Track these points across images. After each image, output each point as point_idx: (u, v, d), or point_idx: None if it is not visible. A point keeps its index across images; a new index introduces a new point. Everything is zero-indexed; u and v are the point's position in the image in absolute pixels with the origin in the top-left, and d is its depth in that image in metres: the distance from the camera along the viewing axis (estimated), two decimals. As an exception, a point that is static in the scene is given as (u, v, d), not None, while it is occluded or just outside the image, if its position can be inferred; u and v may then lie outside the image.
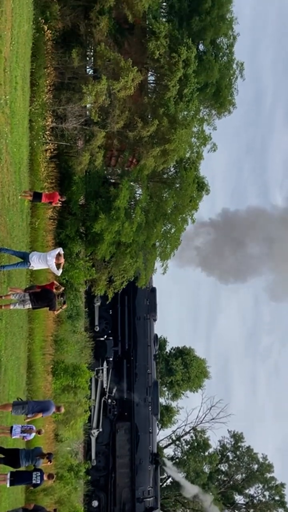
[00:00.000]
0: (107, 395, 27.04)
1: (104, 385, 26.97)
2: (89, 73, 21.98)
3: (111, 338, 27.46)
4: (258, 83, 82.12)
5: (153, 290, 28.11)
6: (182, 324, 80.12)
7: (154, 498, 26.79)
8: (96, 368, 26.73)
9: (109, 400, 27.12)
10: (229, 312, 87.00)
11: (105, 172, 22.01)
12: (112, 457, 26.69)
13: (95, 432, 26.35)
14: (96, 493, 26.10)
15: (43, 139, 18.81)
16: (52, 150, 19.53)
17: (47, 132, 19.11)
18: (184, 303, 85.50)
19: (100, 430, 26.51)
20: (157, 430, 29.69)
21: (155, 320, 28.96)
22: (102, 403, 26.74)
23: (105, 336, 27.50)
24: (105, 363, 27.16)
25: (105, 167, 21.65)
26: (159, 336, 39.68)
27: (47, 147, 19.24)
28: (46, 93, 18.70)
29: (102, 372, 26.88)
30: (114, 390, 27.32)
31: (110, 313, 26.23)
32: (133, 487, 26.40)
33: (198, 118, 21.67)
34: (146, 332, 27.87)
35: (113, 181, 22.66)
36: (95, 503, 26.01)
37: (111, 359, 27.28)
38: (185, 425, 41.32)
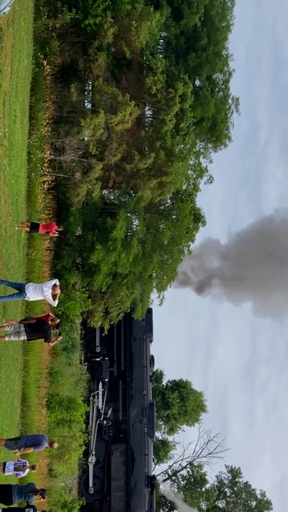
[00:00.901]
0: (102, 417, 26.61)
1: (100, 407, 26.56)
2: (87, 107, 22.36)
3: (107, 358, 27.19)
4: (253, 116, 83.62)
5: (149, 311, 27.83)
6: (178, 357, 79.40)
7: None
8: (92, 393, 26.40)
9: (104, 422, 26.69)
10: (226, 344, 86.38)
11: (104, 196, 22.00)
12: (107, 480, 26.11)
13: (93, 459, 25.78)
14: None
15: (41, 171, 18.99)
16: (50, 181, 19.70)
17: (45, 164, 19.30)
18: (181, 335, 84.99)
19: (95, 459, 26.00)
20: (153, 453, 28.96)
21: (151, 341, 28.80)
22: (97, 425, 26.26)
23: (101, 357, 27.13)
24: (100, 384, 26.80)
25: (105, 192, 21.67)
26: (156, 370, 39.32)
27: (45, 178, 19.41)
28: (44, 126, 18.97)
29: (98, 396, 26.43)
30: (110, 412, 26.93)
31: (106, 333, 25.91)
32: (128, 511, 25.71)
33: (195, 151, 21.99)
34: (142, 353, 27.61)
35: (111, 211, 22.79)
36: None
37: (106, 379, 26.93)
38: (182, 459, 40.60)
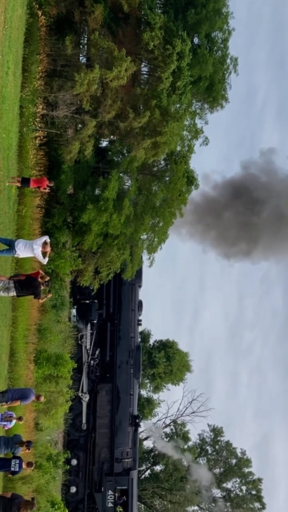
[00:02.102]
0: (89, 357, 27.32)
1: (87, 347, 27.22)
2: (82, 61, 21.77)
3: (96, 301, 27.55)
4: (251, 78, 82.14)
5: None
6: (166, 318, 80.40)
7: (132, 459, 27.00)
8: (80, 334, 26.96)
9: (92, 362, 27.38)
10: (213, 308, 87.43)
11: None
12: (93, 417, 26.88)
13: (86, 397, 26.54)
14: (75, 452, 26.31)
15: (33, 126, 18.63)
16: (41, 137, 19.35)
17: (37, 119, 18.93)
18: (169, 297, 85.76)
19: (88, 397, 26.84)
20: (138, 393, 29.81)
21: (140, 286, 29.18)
22: (85, 365, 27.03)
23: (90, 299, 27.60)
24: (89, 325, 27.37)
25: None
26: (143, 329, 39.81)
27: (37, 134, 19.06)
28: (37, 80, 18.51)
29: (86, 337, 27.05)
30: (97, 352, 27.61)
31: None
32: (112, 447, 26.55)
33: (190, 111, 21.59)
34: (131, 297, 28.07)
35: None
36: (74, 462, 26.15)
37: (95, 321, 27.48)
38: (166, 417, 41.55)
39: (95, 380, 27.48)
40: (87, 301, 27.71)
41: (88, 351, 27.32)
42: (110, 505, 25.90)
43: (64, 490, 25.94)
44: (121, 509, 26.13)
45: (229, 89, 23.31)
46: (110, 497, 25.98)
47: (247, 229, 30.97)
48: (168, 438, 40.80)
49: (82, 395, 26.50)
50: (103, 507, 25.88)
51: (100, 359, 27.73)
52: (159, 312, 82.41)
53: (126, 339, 28.03)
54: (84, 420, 26.57)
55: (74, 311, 28.12)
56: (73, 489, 26.10)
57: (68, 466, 25.40)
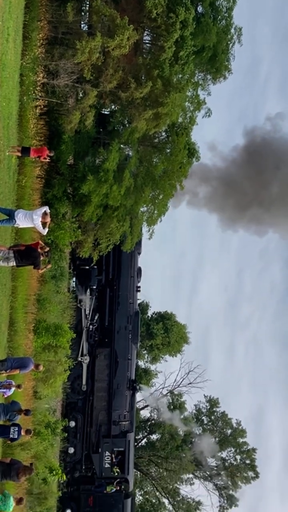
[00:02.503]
0: (88, 322, 27.70)
1: (87, 312, 27.59)
2: (84, 29, 21.36)
3: (95, 267, 27.73)
4: (255, 50, 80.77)
5: None
6: (165, 290, 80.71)
7: (129, 422, 27.58)
8: (79, 297, 27.30)
9: (91, 327, 27.78)
10: (211, 281, 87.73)
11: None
12: (91, 381, 27.39)
13: (86, 359, 26.97)
14: (73, 414, 26.87)
15: (34, 94, 18.41)
16: (42, 106, 19.13)
17: (37, 88, 18.69)
18: (168, 269, 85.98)
19: (89, 358, 27.33)
20: (136, 358, 30.39)
21: (139, 253, 29.40)
22: (84, 329, 27.49)
23: (90, 265, 27.81)
24: (88, 290, 27.64)
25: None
26: (142, 301, 40.04)
27: (37, 103, 18.84)
28: (38, 47, 18.21)
29: (85, 300, 27.44)
30: (96, 317, 27.99)
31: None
32: (109, 410, 27.11)
33: (193, 82, 21.29)
34: (130, 264, 28.27)
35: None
36: (72, 424, 26.77)
37: (94, 287, 27.75)
38: (163, 388, 42.13)
39: (94, 344, 27.87)
40: (87, 267, 27.78)
41: (87, 316, 27.62)
42: (107, 465, 26.54)
43: (62, 457, 26.50)
44: (117, 470, 26.74)
45: (233, 60, 22.94)
46: (107, 458, 26.61)
47: (259, 195, 30.62)
48: (165, 407, 41.46)
49: (82, 358, 26.89)
50: (100, 467, 26.51)
51: (99, 324, 28.08)
52: (158, 285, 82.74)
53: (125, 305, 28.32)
54: (84, 381, 26.99)
55: (73, 278, 28.22)
56: (71, 450, 26.70)
57: (66, 434, 25.89)
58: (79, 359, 26.88)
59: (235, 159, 31.00)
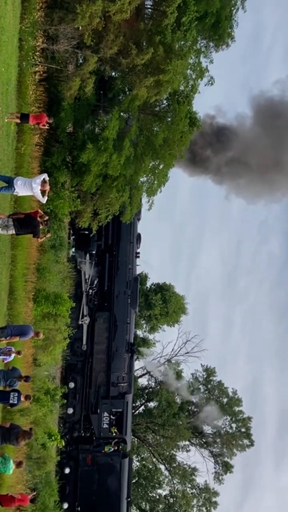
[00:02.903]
0: (88, 286, 28.05)
1: (86, 276, 27.88)
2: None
3: (95, 232, 27.99)
4: (259, 17, 79.04)
5: None
6: (164, 262, 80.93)
7: (128, 384, 28.13)
8: (79, 260, 27.57)
9: (90, 291, 28.15)
10: (210, 253, 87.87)
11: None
12: (90, 343, 27.89)
13: (87, 320, 27.45)
14: (73, 376, 27.41)
15: (33, 60, 18.08)
16: (41, 72, 18.81)
17: (37, 53, 18.34)
18: (167, 241, 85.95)
19: (89, 319, 27.72)
20: (134, 323, 30.92)
21: (139, 219, 29.51)
22: (84, 293, 27.88)
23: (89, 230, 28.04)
24: (88, 255, 27.92)
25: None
26: (141, 272, 40.17)
27: (37, 69, 18.52)
28: (37, 11, 17.79)
29: (85, 263, 27.70)
30: (96, 282, 28.33)
31: None
32: (108, 372, 27.66)
33: (195, 49, 20.87)
34: (129, 230, 28.42)
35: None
36: (71, 385, 27.33)
37: (94, 252, 28.04)
38: (161, 357, 42.59)
39: (94, 308, 28.22)
40: (86, 232, 27.81)
41: (87, 281, 27.78)
42: (105, 426, 27.13)
43: (61, 423, 26.98)
44: (115, 430, 27.33)
45: (236, 27, 22.47)
46: (106, 418, 27.17)
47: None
48: (162, 377, 42.01)
49: (82, 320, 27.19)
50: (99, 428, 27.10)
51: (98, 289, 28.36)
52: (157, 256, 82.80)
53: (124, 270, 28.54)
54: (84, 341, 27.38)
55: (73, 240, 28.21)
56: (70, 411, 27.24)
57: (66, 401, 26.31)
58: (80, 322, 27.08)
59: (244, 122, 30.38)
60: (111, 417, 27.22)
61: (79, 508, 26.31)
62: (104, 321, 28.00)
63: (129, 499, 28.38)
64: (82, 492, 26.54)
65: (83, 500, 26.48)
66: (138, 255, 29.83)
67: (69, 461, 26.76)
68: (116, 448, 27.31)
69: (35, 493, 16.31)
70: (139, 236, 29.87)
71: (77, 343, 27.58)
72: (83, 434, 27.63)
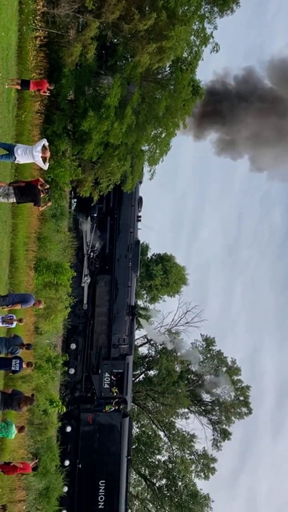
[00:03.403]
0: (89, 249, 28.14)
1: (87, 239, 27.94)
2: None
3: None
4: (265, -18, 76.92)
5: None
6: (165, 232, 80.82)
7: (128, 346, 28.60)
8: (80, 220, 27.62)
9: (92, 254, 28.23)
10: (212, 224, 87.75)
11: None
12: (92, 306, 28.17)
13: (88, 279, 27.66)
14: (74, 337, 27.77)
15: (33, 24, 17.68)
16: (42, 37, 18.41)
17: (37, 17, 17.92)
18: (169, 211, 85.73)
19: (90, 279, 27.94)
20: (135, 286, 31.31)
21: (140, 182, 29.37)
22: (85, 256, 27.99)
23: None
24: (89, 218, 27.94)
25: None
26: (142, 242, 40.16)
27: (37, 34, 18.13)
28: (38, -27, 17.34)
29: (86, 224, 27.72)
30: (97, 245, 28.38)
31: None
32: (109, 334, 28.07)
33: (199, 14, 20.35)
34: (131, 193, 28.13)
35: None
36: (73, 346, 27.75)
37: (95, 215, 27.98)
38: (161, 326, 42.95)
39: (95, 271, 28.30)
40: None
41: (88, 243, 27.82)
42: (106, 386, 27.63)
43: (62, 390, 27.37)
44: (116, 390, 27.83)
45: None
46: (107, 379, 27.67)
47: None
48: (162, 346, 42.42)
49: (83, 281, 27.25)
50: (100, 388, 27.59)
51: (99, 252, 28.40)
52: (158, 227, 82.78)
53: (125, 234, 28.57)
54: (85, 301, 27.56)
55: (74, 202, 28.11)
56: (72, 371, 27.66)
57: (67, 368, 26.65)
58: (82, 285, 27.05)
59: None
60: (112, 377, 27.71)
61: (80, 465, 26.98)
62: (106, 284, 28.15)
63: (129, 457, 29.11)
64: (83, 450, 27.20)
65: (84, 458, 27.15)
66: (139, 218, 29.70)
67: (71, 420, 27.28)
68: (116, 407, 27.87)
69: (36, 460, 16.69)
70: (140, 199, 29.69)
71: (79, 306, 27.69)
72: (84, 394, 28.10)
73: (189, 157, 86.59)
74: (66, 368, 26.66)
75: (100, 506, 26.98)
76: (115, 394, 27.76)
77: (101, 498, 27.04)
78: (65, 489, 25.92)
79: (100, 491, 27.04)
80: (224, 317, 74.64)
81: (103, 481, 27.09)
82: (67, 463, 26.62)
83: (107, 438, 27.41)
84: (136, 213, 29.24)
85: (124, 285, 28.41)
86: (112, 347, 27.82)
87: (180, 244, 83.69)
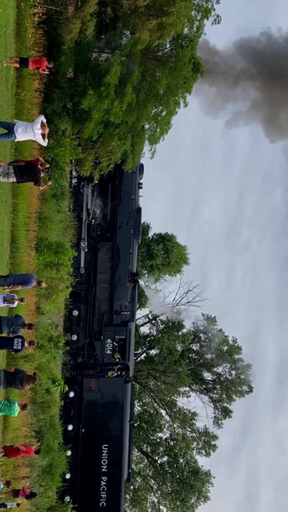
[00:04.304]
0: (91, 216, 28.15)
1: (89, 206, 27.88)
2: None
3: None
4: None
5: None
6: (165, 212, 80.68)
7: (130, 312, 28.87)
8: (82, 183, 27.62)
9: (93, 221, 28.30)
10: (213, 204, 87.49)
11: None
12: (93, 273, 28.35)
13: (85, 244, 27.72)
14: (76, 304, 27.98)
15: (32, 1, 17.39)
16: (40, 14, 18.10)
17: (36, -6, 17.64)
18: (169, 191, 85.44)
19: (87, 243, 27.97)
20: (137, 253, 31.46)
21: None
22: (86, 224, 27.92)
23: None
24: (90, 184, 27.80)
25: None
26: (142, 222, 40.09)
27: (36, 10, 17.82)
28: None
29: (88, 188, 27.65)
30: (98, 212, 28.42)
31: None
32: (111, 301, 28.27)
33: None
34: None
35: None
36: (75, 313, 27.99)
37: (96, 182, 27.72)
38: (162, 306, 43.10)
39: (96, 238, 28.37)
40: None
41: (89, 211, 27.76)
42: (108, 352, 27.94)
43: (64, 369, 27.59)
44: (118, 356, 28.21)
45: None
46: (109, 345, 27.95)
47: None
48: (164, 325, 42.64)
49: (81, 244, 27.22)
50: (102, 353, 27.93)
51: (100, 219, 28.41)
52: (159, 206, 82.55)
53: (126, 201, 28.48)
54: (82, 265, 27.58)
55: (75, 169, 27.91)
56: (74, 337, 27.91)
57: (69, 348, 26.83)
58: (82, 247, 26.92)
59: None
60: (114, 343, 27.98)
61: (83, 430, 27.39)
62: (107, 251, 28.21)
63: (131, 422, 29.46)
64: (86, 415, 27.59)
65: (87, 422, 27.54)
66: (140, 185, 29.54)
67: (74, 386, 27.55)
68: (119, 373, 28.20)
69: (39, 443, 16.95)
70: (141, 166, 29.49)
71: (80, 271, 27.70)
72: (87, 360, 28.39)
73: (189, 134, 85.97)
74: (68, 348, 26.85)
75: (103, 470, 27.38)
76: (117, 360, 28.08)
77: (104, 462, 27.45)
78: (69, 453, 26.33)
79: (103, 455, 27.41)
80: (225, 296, 74.93)
81: (106, 445, 27.47)
82: (70, 427, 26.98)
83: (110, 403, 27.70)
84: (137, 180, 29.07)
85: (126, 252, 28.38)
86: (114, 314, 27.97)
87: (181, 223, 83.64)
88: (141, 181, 29.47)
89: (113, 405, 27.73)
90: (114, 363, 28.00)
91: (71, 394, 27.16)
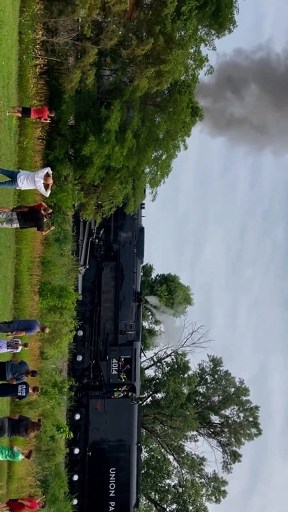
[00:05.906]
0: (94, 236, 28.07)
1: (92, 226, 27.82)
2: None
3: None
4: (259, 4, 78.40)
5: None
6: (168, 253, 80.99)
7: (135, 332, 28.49)
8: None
9: (96, 240, 28.23)
10: (215, 243, 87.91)
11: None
12: (98, 293, 28.15)
13: (82, 269, 27.49)
14: (81, 324, 27.38)
15: (33, 53, 18.00)
16: (42, 65, 18.72)
17: (37, 46, 18.25)
18: (171, 232, 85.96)
19: (87, 267, 27.72)
20: (141, 272, 31.26)
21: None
22: (90, 243, 27.79)
23: None
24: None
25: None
26: (145, 263, 40.22)
27: (37, 62, 18.44)
28: (37, 4, 17.69)
29: None
30: (101, 231, 28.31)
31: None
32: (116, 320, 28.02)
33: (196, 37, 20.70)
34: None
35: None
36: (80, 333, 27.40)
37: (99, 202, 28.01)
38: (167, 348, 42.71)
39: (100, 258, 28.25)
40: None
41: (93, 230, 27.72)
42: (114, 372, 27.51)
43: (69, 415, 27.07)
44: (124, 376, 27.72)
45: (237, 14, 22.14)
46: (115, 365, 27.58)
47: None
48: (169, 367, 42.10)
49: (80, 268, 26.96)
50: (108, 374, 27.50)
51: (104, 239, 28.39)
52: (161, 247, 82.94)
53: (130, 220, 28.57)
54: (80, 291, 27.21)
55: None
56: (79, 358, 27.52)
57: (73, 393, 26.42)
58: (79, 272, 26.75)
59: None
60: (120, 363, 27.58)
61: (89, 453, 26.57)
62: (111, 271, 28.15)
63: (139, 444, 28.59)
64: (92, 437, 26.84)
65: (94, 445, 26.77)
66: (143, 206, 29.68)
67: (79, 408, 27.02)
68: (125, 394, 27.60)
69: (43, 496, 16.53)
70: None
71: (85, 293, 27.54)
72: (92, 381, 27.89)
73: (190, 174, 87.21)
74: (73, 393, 26.43)
75: (111, 494, 26.46)
76: (123, 380, 27.62)
77: (112, 486, 26.54)
78: (76, 477, 25.49)
79: (111, 479, 26.54)
80: (229, 336, 74.26)
81: (113, 469, 26.65)
82: (76, 451, 26.23)
83: (117, 425, 27.02)
84: (140, 200, 29.32)
85: (130, 271, 28.35)
86: (119, 333, 27.71)
87: (184, 264, 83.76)
88: (143, 201, 29.71)
89: (120, 427, 27.07)
90: (120, 384, 27.51)
91: (77, 417, 26.62)
